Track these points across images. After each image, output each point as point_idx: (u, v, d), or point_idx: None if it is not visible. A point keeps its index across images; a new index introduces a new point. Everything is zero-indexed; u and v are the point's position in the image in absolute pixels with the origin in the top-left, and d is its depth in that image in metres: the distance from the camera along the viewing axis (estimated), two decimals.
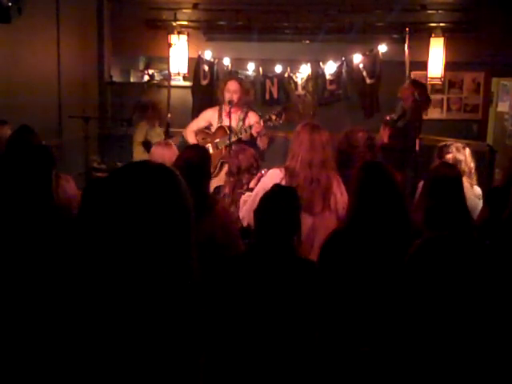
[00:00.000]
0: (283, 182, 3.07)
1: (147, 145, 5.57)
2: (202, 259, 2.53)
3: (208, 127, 5.11)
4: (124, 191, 1.17)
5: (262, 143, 4.85)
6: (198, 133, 5.10)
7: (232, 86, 4.96)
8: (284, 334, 2.24)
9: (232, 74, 6.37)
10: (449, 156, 3.64)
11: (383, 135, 5.39)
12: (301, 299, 2.30)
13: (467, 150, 3.71)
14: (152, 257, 1.15)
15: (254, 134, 4.80)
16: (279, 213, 2.36)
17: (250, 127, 4.82)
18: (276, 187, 2.52)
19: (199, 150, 3.04)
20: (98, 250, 1.16)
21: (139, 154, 5.69)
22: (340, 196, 3.20)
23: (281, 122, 4.89)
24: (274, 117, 4.84)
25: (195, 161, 2.83)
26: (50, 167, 2.69)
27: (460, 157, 3.64)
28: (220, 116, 5.07)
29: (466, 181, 3.60)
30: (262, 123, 4.77)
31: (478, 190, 3.68)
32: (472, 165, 3.69)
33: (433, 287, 2.08)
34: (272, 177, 3.17)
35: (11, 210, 2.41)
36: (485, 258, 2.29)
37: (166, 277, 1.17)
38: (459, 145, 3.76)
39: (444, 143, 3.86)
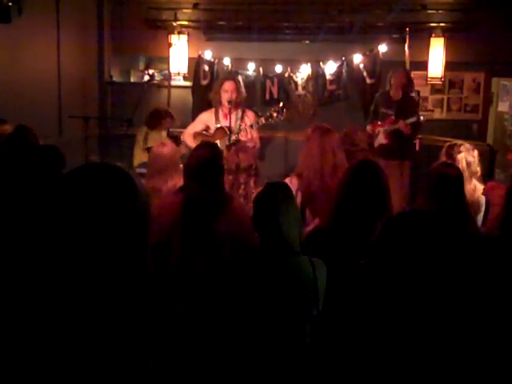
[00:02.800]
0: (299, 193, 3.07)
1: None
2: (222, 255, 2.57)
3: (205, 130, 5.10)
4: (79, 190, 1.18)
5: (253, 138, 4.87)
6: (196, 135, 5.05)
7: (229, 86, 4.96)
8: (282, 323, 2.31)
9: (231, 74, 6.37)
10: (460, 156, 3.62)
11: (404, 128, 5.45)
12: (303, 294, 2.32)
13: (476, 152, 3.71)
14: (105, 255, 1.16)
15: (247, 125, 4.83)
16: (278, 209, 2.36)
17: (251, 126, 4.84)
18: (267, 186, 2.52)
19: (210, 146, 3.05)
20: (55, 248, 1.17)
21: (140, 158, 5.67)
22: None
23: (282, 118, 4.89)
24: (274, 114, 4.84)
25: (207, 157, 2.85)
26: (59, 167, 2.71)
27: (470, 158, 3.64)
28: (217, 118, 5.05)
29: (475, 181, 3.60)
30: (263, 121, 4.80)
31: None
32: (478, 168, 3.70)
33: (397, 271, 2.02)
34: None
35: (21, 210, 2.41)
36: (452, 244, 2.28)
37: (120, 276, 1.18)
38: (469, 146, 3.74)
39: (454, 142, 3.84)
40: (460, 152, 3.63)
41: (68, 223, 1.16)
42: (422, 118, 5.52)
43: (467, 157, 3.61)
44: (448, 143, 3.85)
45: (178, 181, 3.58)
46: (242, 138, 4.80)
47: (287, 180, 3.28)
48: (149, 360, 1.24)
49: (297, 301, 2.31)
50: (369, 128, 5.73)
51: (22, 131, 3.64)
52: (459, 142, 3.88)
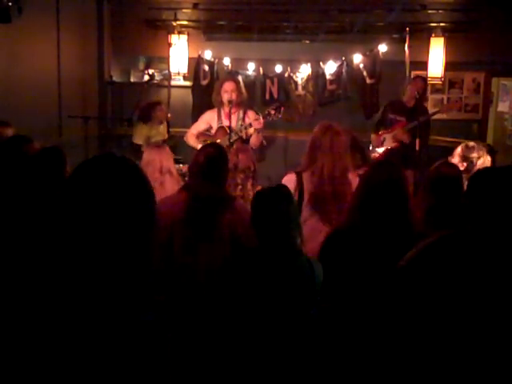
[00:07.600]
0: (294, 186, 3.08)
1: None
2: (224, 253, 2.58)
3: (208, 129, 5.14)
4: (89, 181, 1.21)
5: (255, 141, 4.88)
6: (198, 135, 5.13)
7: (229, 86, 4.99)
8: (282, 321, 2.32)
9: (231, 74, 6.38)
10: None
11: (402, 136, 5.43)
12: (299, 294, 2.32)
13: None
14: (110, 243, 1.19)
15: (253, 131, 4.83)
16: (276, 212, 2.36)
17: (250, 124, 4.86)
18: (267, 190, 2.51)
19: (218, 147, 3.09)
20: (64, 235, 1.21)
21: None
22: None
23: (280, 116, 4.91)
24: (272, 111, 4.87)
25: (215, 157, 2.89)
26: (62, 168, 2.72)
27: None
28: (219, 117, 5.09)
29: None
30: (262, 120, 4.80)
31: None
32: None
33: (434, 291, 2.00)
34: (288, 183, 3.12)
35: (26, 211, 2.42)
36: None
37: (123, 264, 1.21)
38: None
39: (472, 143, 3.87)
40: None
41: (79, 213, 1.19)
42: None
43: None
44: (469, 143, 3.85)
45: (168, 186, 3.56)
46: (256, 126, 4.81)
47: (287, 177, 3.27)
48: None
49: (296, 301, 2.32)
50: (373, 137, 5.70)
51: (18, 141, 3.55)
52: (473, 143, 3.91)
